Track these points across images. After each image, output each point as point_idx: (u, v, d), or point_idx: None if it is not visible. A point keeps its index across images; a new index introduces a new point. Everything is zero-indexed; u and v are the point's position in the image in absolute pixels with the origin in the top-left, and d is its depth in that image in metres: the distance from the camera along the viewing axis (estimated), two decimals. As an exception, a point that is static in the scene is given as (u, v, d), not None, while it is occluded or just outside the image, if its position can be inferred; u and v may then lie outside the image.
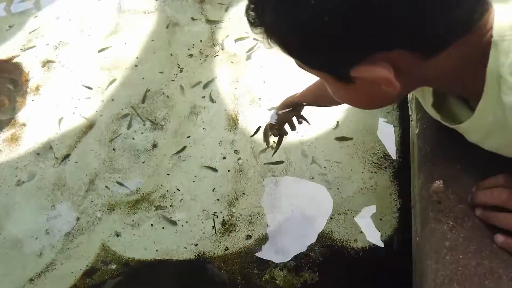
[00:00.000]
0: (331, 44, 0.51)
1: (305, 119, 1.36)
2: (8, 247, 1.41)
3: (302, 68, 0.63)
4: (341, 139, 1.55)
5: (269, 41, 0.59)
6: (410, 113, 1.06)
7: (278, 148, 1.38)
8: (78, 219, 1.47)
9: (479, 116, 0.59)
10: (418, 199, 0.75)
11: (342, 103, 1.47)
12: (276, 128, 1.34)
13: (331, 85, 0.64)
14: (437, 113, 0.71)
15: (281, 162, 1.53)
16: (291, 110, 1.38)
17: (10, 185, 1.57)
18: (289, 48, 0.58)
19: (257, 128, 1.59)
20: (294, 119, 1.35)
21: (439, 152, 0.75)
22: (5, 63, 2.13)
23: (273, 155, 1.47)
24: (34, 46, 2.19)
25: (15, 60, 2.15)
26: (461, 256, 0.59)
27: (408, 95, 1.13)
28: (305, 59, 0.59)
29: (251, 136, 1.60)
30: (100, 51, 2.12)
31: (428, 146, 0.77)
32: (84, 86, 1.94)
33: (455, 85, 0.61)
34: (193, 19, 2.22)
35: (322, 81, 1.24)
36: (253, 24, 0.58)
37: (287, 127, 1.37)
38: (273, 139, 1.44)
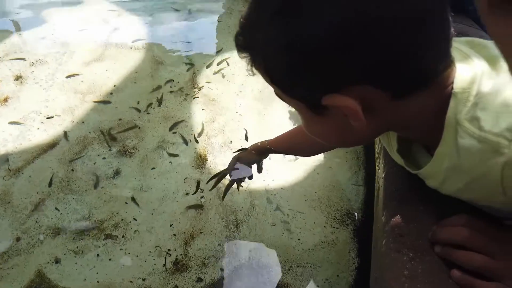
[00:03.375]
0: (310, 70, 0.54)
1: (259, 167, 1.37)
2: None
3: (281, 97, 0.65)
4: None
5: (253, 67, 0.62)
6: (376, 164, 1.09)
7: (225, 193, 1.43)
8: (18, 239, 1.35)
9: (436, 161, 0.62)
10: (380, 236, 0.75)
11: (312, 154, 1.52)
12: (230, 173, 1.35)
13: (305, 116, 0.66)
14: (401, 158, 0.74)
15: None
16: (257, 156, 1.39)
17: (-49, 192, 1.45)
18: (271, 71, 0.60)
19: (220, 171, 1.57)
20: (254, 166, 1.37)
21: (404, 193, 0.77)
22: (-24, 70, 2.07)
23: (223, 198, 1.48)
24: (8, 59, 2.16)
25: (-14, 70, 2.10)
26: (419, 286, 0.58)
27: (376, 147, 1.16)
28: (285, 86, 0.61)
29: (209, 180, 1.53)
30: (70, 76, 2.10)
31: (393, 187, 0.80)
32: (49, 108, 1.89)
33: (417, 131, 0.64)
34: (178, 59, 2.28)
35: (296, 130, 1.29)
36: (240, 47, 0.61)
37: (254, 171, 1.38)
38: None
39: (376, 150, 1.11)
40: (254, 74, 0.64)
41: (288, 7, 0.51)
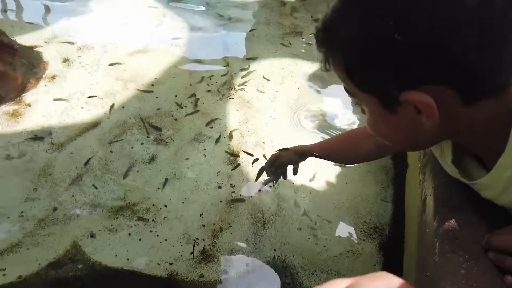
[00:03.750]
0: (392, 66, 0.57)
1: (295, 169, 1.44)
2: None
3: (351, 94, 0.68)
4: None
5: (328, 63, 0.66)
6: (419, 178, 1.11)
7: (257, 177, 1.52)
8: (54, 209, 1.40)
9: (498, 171, 0.64)
10: (432, 239, 0.78)
11: (355, 162, 1.55)
12: (272, 169, 1.42)
13: (375, 113, 0.68)
14: (456, 168, 0.77)
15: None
16: (297, 156, 1.43)
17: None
18: (349, 65, 0.63)
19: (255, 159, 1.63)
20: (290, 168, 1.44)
21: (456, 202, 0.80)
22: (28, 49, 2.17)
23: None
24: (58, 41, 2.25)
25: (36, 49, 2.19)
26: (474, 284, 0.61)
27: (418, 161, 1.19)
28: (361, 79, 0.63)
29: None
30: (113, 64, 2.19)
31: (445, 196, 0.82)
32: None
33: (479, 140, 0.67)
34: (216, 61, 2.35)
35: (342, 137, 1.33)
36: (320, 43, 0.65)
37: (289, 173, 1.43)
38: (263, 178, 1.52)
39: (419, 164, 1.14)
40: (327, 70, 0.68)
41: (375, 7, 0.56)
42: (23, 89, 1.85)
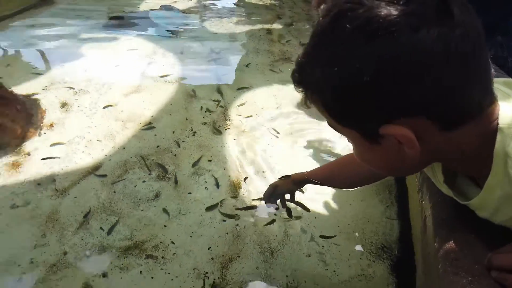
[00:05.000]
0: (367, 104, 0.60)
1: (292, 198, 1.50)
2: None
3: (334, 128, 0.71)
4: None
5: (308, 101, 0.69)
6: (418, 196, 1.14)
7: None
8: (65, 253, 1.41)
9: (487, 191, 0.66)
10: (434, 262, 0.79)
11: (351, 187, 1.59)
12: (271, 199, 1.49)
13: (359, 145, 0.71)
14: (449, 189, 0.79)
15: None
16: (295, 185, 1.48)
17: (4, 207, 1.53)
18: (328, 105, 0.66)
19: (259, 198, 1.66)
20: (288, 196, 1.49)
21: (454, 222, 0.82)
22: (26, 98, 2.21)
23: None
24: (55, 88, 2.31)
25: (34, 97, 2.24)
26: None
27: (416, 181, 1.22)
28: (341, 117, 0.66)
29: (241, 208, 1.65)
30: (107, 106, 2.23)
31: (443, 216, 0.84)
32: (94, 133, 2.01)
33: (464, 163, 0.69)
34: (210, 93, 2.42)
35: (337, 162, 1.37)
36: (297, 83, 0.69)
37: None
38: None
39: (417, 183, 1.17)
40: (309, 107, 0.71)
41: (342, 50, 0.59)
42: (22, 139, 1.88)
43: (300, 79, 0.68)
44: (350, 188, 1.64)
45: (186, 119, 2.18)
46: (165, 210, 1.61)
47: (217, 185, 1.76)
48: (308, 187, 1.63)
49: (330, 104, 0.65)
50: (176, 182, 1.76)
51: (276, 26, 3.72)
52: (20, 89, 2.30)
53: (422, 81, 0.56)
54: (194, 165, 1.86)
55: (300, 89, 0.68)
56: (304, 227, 1.59)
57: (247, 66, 2.84)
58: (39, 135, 1.94)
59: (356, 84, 0.58)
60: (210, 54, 3.02)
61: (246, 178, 1.81)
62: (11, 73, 2.52)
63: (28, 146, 1.87)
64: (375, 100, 0.59)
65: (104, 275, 1.34)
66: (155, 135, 2.05)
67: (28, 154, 1.82)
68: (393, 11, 0.54)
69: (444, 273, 0.75)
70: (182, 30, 3.51)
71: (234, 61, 2.94)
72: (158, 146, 1.97)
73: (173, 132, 2.08)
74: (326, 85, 0.62)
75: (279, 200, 1.54)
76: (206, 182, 1.78)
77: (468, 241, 0.78)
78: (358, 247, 1.50)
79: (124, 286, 1.32)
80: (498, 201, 0.66)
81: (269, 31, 3.56)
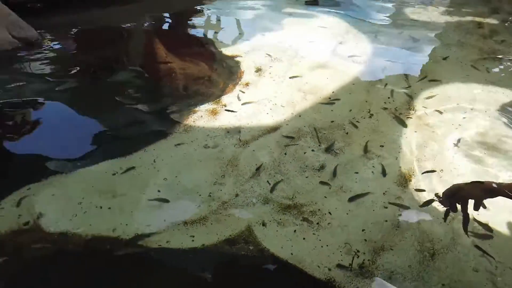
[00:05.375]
0: None
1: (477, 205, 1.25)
2: (179, 190, 1.62)
3: None
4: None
5: None
6: None
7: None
8: (236, 195, 1.60)
9: None
10: None
11: None
12: (451, 200, 1.28)
13: None
14: None
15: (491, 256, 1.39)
16: (483, 193, 1.28)
17: (200, 145, 1.83)
18: None
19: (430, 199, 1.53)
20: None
21: None
22: (229, 58, 2.55)
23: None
24: (254, 53, 2.58)
25: (236, 59, 2.56)
26: None
27: None
28: None
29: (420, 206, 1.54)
30: (293, 77, 2.35)
31: None
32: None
33: None
34: (396, 80, 2.30)
35: None
36: None
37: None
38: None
39: None
40: None
41: None
42: (222, 91, 2.18)
43: None
44: None
45: (366, 101, 2.15)
46: (326, 183, 1.65)
47: (384, 172, 1.70)
48: (497, 200, 1.42)
49: None
50: (343, 158, 1.77)
51: (490, 20, 3.25)
52: (227, 51, 2.65)
53: None
54: (365, 146, 1.83)
55: None
56: (477, 241, 1.40)
57: (444, 59, 2.60)
58: (236, 91, 2.21)
59: None
60: (406, 41, 2.87)
61: (422, 172, 1.69)
62: (222, 37, 2.92)
63: (225, 99, 2.16)
64: None
65: (264, 224, 1.48)
66: (332, 110, 2.09)
67: (225, 105, 2.11)
68: None
69: None
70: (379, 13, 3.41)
71: (431, 52, 2.72)
72: (332, 121, 2.01)
73: (350, 110, 2.08)
74: None
75: (458, 204, 1.38)
76: (373, 166, 1.74)
77: None
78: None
79: (278, 238, 1.43)
80: None
81: (480, 25, 3.14)
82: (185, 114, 2.03)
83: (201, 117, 2.02)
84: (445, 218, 1.40)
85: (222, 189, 1.63)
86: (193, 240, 1.41)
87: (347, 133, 1.94)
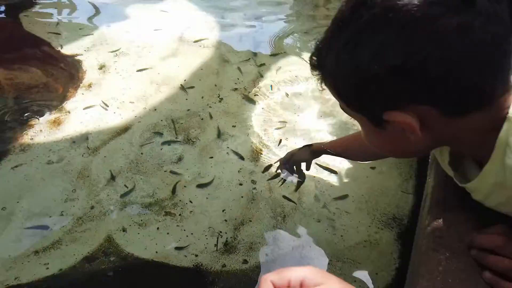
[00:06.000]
0: (374, 91, 0.62)
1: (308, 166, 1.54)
2: (22, 217, 1.49)
3: (345, 111, 0.74)
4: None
5: (322, 84, 0.73)
6: (428, 172, 1.12)
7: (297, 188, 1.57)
8: (92, 207, 1.54)
9: (483, 177, 0.68)
10: (421, 237, 0.80)
11: (366, 160, 1.58)
12: (287, 166, 1.56)
13: (366, 128, 0.75)
14: (452, 170, 0.80)
15: (293, 202, 1.58)
16: (311, 154, 1.50)
17: (41, 162, 1.70)
18: (340, 89, 0.70)
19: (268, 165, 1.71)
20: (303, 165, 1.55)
21: (450, 202, 0.83)
22: (68, 57, 2.36)
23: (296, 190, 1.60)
24: (97, 49, 2.43)
25: (77, 58, 2.38)
26: (450, 280, 0.64)
27: (430, 158, 1.19)
28: (351, 102, 0.70)
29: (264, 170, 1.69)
30: (141, 70, 2.32)
31: (441, 196, 0.86)
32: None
33: (469, 148, 0.71)
34: (243, 61, 2.41)
35: (354, 136, 1.36)
36: (313, 66, 0.72)
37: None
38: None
39: (430, 160, 1.16)
40: (322, 90, 0.75)
41: (359, 37, 0.60)
42: (63, 98, 2.02)
43: (316, 62, 0.71)
44: (365, 161, 1.63)
45: (215, 85, 2.22)
46: (178, 173, 1.69)
47: (237, 151, 1.80)
48: (327, 158, 1.63)
49: (341, 89, 0.69)
50: (198, 146, 1.83)
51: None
52: (66, 49, 2.44)
53: (430, 70, 0.56)
54: (218, 130, 1.91)
55: (316, 73, 0.72)
56: (319, 195, 1.60)
57: (286, 32, 2.78)
58: (78, 95, 2.07)
59: (365, 74, 0.60)
60: (249, 17, 2.97)
61: (267, 146, 1.83)
62: (60, 33, 2.64)
63: (68, 105, 2.01)
64: (382, 88, 0.61)
65: (124, 229, 1.46)
66: (187, 99, 2.12)
67: (69, 112, 1.97)
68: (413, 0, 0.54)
69: (426, 249, 0.77)
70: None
71: (274, 26, 2.87)
72: (188, 110, 2.04)
73: (202, 97, 2.13)
74: (338, 71, 0.66)
75: (295, 167, 1.57)
76: (228, 147, 1.83)
77: (458, 221, 0.79)
78: (369, 216, 1.51)
79: (141, 240, 1.44)
80: (491, 187, 0.67)
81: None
82: (20, 131, 1.84)
83: (41, 131, 1.86)
84: (282, 181, 1.58)
85: (75, 204, 1.55)
86: (47, 268, 1.33)
87: (202, 119, 1.99)
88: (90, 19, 2.84)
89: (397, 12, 0.55)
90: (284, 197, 1.59)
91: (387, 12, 0.56)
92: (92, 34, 2.62)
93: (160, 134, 1.89)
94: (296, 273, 0.53)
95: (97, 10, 2.96)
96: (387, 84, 0.59)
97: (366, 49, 0.59)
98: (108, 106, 2.02)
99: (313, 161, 1.59)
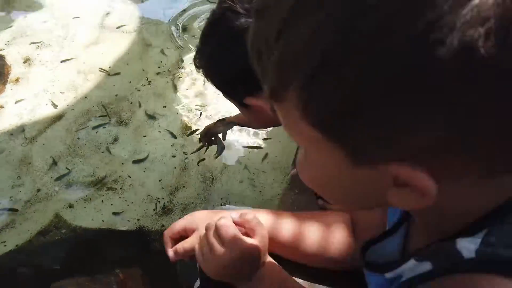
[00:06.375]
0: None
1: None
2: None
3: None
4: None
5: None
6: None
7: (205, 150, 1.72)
8: (38, 190, 1.71)
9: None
10: None
11: (267, 126, 1.88)
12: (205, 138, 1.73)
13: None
14: None
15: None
16: (224, 126, 1.76)
17: (-18, 155, 1.81)
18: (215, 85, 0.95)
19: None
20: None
21: None
22: (-8, 54, 2.38)
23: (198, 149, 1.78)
24: (18, 43, 2.47)
25: (0, 53, 2.40)
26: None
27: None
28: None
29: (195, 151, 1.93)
30: (65, 60, 2.42)
31: None
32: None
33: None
34: (164, 43, 2.59)
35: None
36: (196, 66, 0.95)
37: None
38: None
39: None
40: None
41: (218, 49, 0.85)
42: (-7, 94, 2.09)
43: (197, 64, 0.94)
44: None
45: (143, 70, 2.39)
46: (122, 151, 1.90)
47: (169, 129, 2.03)
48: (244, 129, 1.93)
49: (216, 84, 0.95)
50: (131, 126, 2.03)
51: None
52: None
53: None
54: (149, 111, 2.12)
55: (199, 71, 0.95)
56: (240, 159, 1.90)
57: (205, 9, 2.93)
58: (7, 90, 2.15)
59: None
60: (170, 2, 3.08)
61: (195, 121, 2.08)
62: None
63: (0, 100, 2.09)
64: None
65: (70, 206, 1.66)
66: (114, 85, 2.27)
67: (2, 107, 2.05)
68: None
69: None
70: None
71: (193, 8, 3.01)
72: (117, 95, 2.21)
73: (130, 82, 2.30)
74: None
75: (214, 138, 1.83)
76: (159, 126, 2.05)
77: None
78: (282, 174, 1.84)
79: (87, 214, 1.65)
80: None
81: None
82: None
83: (-23, 126, 1.94)
84: (205, 151, 1.82)
85: (22, 190, 1.70)
86: (5, 245, 1.51)
87: (131, 103, 2.17)
88: (4, 9, 2.81)
89: (239, 28, 0.77)
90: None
91: (232, 28, 0.78)
92: (11, 26, 2.62)
93: (94, 118, 2.05)
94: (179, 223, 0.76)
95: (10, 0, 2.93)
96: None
97: (223, 61, 0.82)
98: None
99: (240, 143, 1.88)
